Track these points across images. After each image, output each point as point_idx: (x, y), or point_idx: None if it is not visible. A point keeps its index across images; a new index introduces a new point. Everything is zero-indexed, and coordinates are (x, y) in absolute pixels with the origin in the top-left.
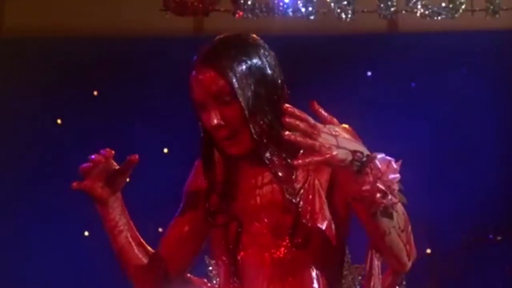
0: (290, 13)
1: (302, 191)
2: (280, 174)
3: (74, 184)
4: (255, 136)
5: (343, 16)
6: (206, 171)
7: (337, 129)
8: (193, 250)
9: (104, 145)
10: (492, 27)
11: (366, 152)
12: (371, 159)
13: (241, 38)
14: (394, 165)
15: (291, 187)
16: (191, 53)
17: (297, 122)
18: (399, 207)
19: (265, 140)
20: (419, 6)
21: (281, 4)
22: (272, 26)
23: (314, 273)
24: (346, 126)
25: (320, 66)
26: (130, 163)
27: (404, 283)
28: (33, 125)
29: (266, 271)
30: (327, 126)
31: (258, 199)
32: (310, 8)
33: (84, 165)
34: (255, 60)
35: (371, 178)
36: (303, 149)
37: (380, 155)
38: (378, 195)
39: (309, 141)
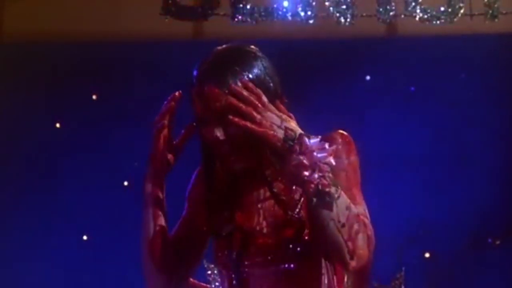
0: (289, 17)
1: (302, 199)
2: (279, 190)
3: (158, 128)
4: (257, 153)
5: (342, 20)
6: (207, 183)
7: (289, 120)
8: (196, 254)
9: (103, 149)
10: (491, 31)
11: (299, 131)
12: (301, 136)
13: (241, 51)
14: (327, 146)
15: (291, 200)
16: (191, 57)
17: (243, 91)
18: (343, 202)
19: (267, 154)
20: (418, 10)
21: (280, 8)
22: (271, 30)
23: (317, 282)
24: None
25: (319, 70)
26: (190, 132)
27: (402, 287)
28: (32, 129)
29: (270, 281)
30: (283, 115)
31: (261, 212)
32: (309, 12)
33: (163, 110)
34: (257, 74)
35: (299, 155)
36: (243, 116)
37: (315, 138)
38: (306, 172)
39: (252, 111)
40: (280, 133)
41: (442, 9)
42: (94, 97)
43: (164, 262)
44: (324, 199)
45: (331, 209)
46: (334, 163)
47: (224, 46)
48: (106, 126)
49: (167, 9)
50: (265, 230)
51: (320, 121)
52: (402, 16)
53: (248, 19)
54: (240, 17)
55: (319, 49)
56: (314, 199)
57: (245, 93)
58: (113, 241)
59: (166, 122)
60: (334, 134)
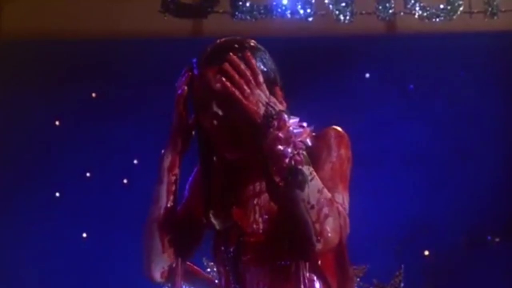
0: (289, 15)
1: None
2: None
3: (180, 94)
4: (255, 141)
5: (342, 18)
6: (205, 180)
7: (276, 102)
8: (194, 240)
9: (103, 147)
10: (490, 29)
11: (279, 108)
12: (280, 112)
13: (243, 41)
14: (305, 125)
15: None
16: (190, 55)
17: (241, 64)
18: (315, 185)
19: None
20: (417, 8)
21: (279, 6)
22: (271, 28)
23: (314, 279)
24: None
25: (318, 68)
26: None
27: (402, 285)
28: (31, 127)
29: (267, 278)
30: (272, 97)
31: (257, 209)
32: (308, 10)
33: (183, 79)
34: (258, 64)
35: (276, 130)
36: (235, 88)
37: (295, 118)
38: (280, 146)
39: (242, 84)
40: (262, 110)
41: (442, 6)
42: (93, 95)
43: (171, 241)
44: (297, 178)
45: (302, 189)
46: (309, 143)
47: (225, 38)
48: (105, 124)
49: (166, 7)
50: (261, 227)
51: (318, 118)
52: (401, 13)
53: (248, 17)
54: (239, 14)
55: (319, 46)
56: (287, 177)
57: (242, 66)
58: (113, 239)
59: (187, 88)
60: (327, 129)
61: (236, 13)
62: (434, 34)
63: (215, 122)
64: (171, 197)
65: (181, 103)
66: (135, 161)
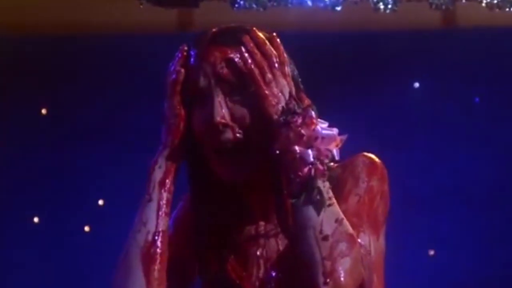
0: (309, 3)
1: None
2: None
3: (174, 80)
4: (265, 152)
5: (381, 6)
6: (197, 208)
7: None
8: (182, 283)
9: (56, 183)
10: None
11: (306, 104)
12: (307, 108)
13: (255, 28)
14: (335, 131)
15: None
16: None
17: (267, 44)
18: (334, 212)
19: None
20: None
21: None
22: (285, 20)
23: None
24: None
25: (350, 73)
26: None
27: None
28: None
29: None
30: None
31: (261, 262)
32: None
33: (177, 60)
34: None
35: (298, 127)
36: (255, 67)
37: (324, 122)
38: (298, 146)
39: (265, 67)
40: (283, 104)
41: None
42: (43, 111)
43: (159, 279)
44: (312, 195)
45: (317, 213)
46: (337, 156)
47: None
48: (60, 151)
49: None
50: (267, 286)
51: (348, 139)
52: (463, 1)
53: (254, 5)
54: (242, 2)
55: (350, 45)
56: (301, 193)
57: (267, 47)
58: None
59: (183, 71)
60: (356, 156)
61: (238, 1)
62: (507, 28)
63: (215, 119)
64: (162, 221)
65: (178, 92)
66: (100, 202)
